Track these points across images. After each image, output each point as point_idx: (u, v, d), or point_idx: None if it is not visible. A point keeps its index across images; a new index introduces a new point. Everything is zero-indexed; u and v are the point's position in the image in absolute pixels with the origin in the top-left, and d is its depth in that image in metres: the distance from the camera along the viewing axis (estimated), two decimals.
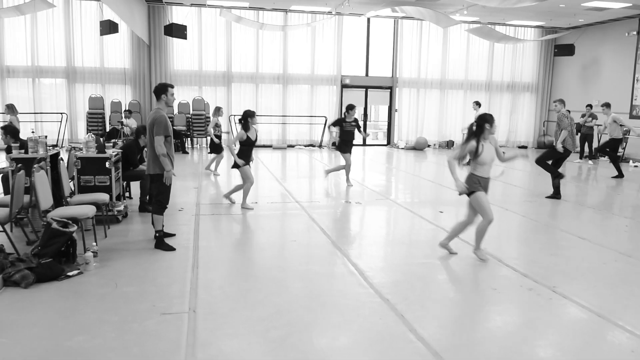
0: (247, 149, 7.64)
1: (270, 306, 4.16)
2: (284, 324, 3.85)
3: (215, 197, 8.66)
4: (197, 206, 7.82)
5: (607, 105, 12.64)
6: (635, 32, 15.89)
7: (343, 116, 9.89)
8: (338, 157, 12.70)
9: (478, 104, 14.32)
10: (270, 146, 17.17)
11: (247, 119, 7.52)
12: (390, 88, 18.34)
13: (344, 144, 9.71)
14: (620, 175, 11.88)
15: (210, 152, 11.48)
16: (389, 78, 18.32)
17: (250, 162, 7.74)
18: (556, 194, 9.05)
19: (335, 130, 9.90)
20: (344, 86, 17.81)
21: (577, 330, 3.98)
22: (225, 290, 4.50)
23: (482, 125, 5.23)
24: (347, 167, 9.86)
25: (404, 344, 3.60)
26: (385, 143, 19.00)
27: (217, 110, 11.03)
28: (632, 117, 15.94)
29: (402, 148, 17.89)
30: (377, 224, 7.55)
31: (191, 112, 16.30)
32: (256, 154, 14.94)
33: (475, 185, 5.26)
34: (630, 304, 4.44)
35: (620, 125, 12.48)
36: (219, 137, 10.82)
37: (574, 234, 6.70)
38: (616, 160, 12.25)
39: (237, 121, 10.63)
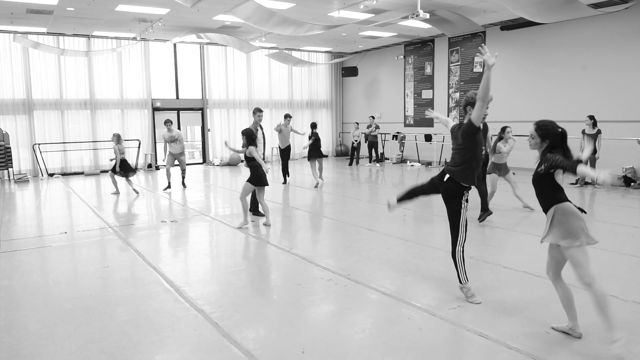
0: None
1: (81, 337, 3.82)
2: (96, 352, 3.57)
3: (22, 231, 7.64)
4: None
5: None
6: (402, 56, 18.10)
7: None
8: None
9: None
10: (82, 173, 15.75)
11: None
12: (202, 109, 18.17)
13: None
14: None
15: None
16: (200, 100, 18.14)
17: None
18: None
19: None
20: (155, 109, 17.15)
21: (371, 310, 4.37)
22: (30, 329, 4.01)
23: None
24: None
25: (219, 350, 3.60)
26: (202, 161, 18.74)
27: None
28: (406, 125, 18.09)
29: (217, 165, 17.85)
30: (193, 239, 7.34)
31: None
32: (67, 182, 13.63)
33: None
34: (407, 281, 5.04)
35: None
36: None
37: (365, 227, 7.37)
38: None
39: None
